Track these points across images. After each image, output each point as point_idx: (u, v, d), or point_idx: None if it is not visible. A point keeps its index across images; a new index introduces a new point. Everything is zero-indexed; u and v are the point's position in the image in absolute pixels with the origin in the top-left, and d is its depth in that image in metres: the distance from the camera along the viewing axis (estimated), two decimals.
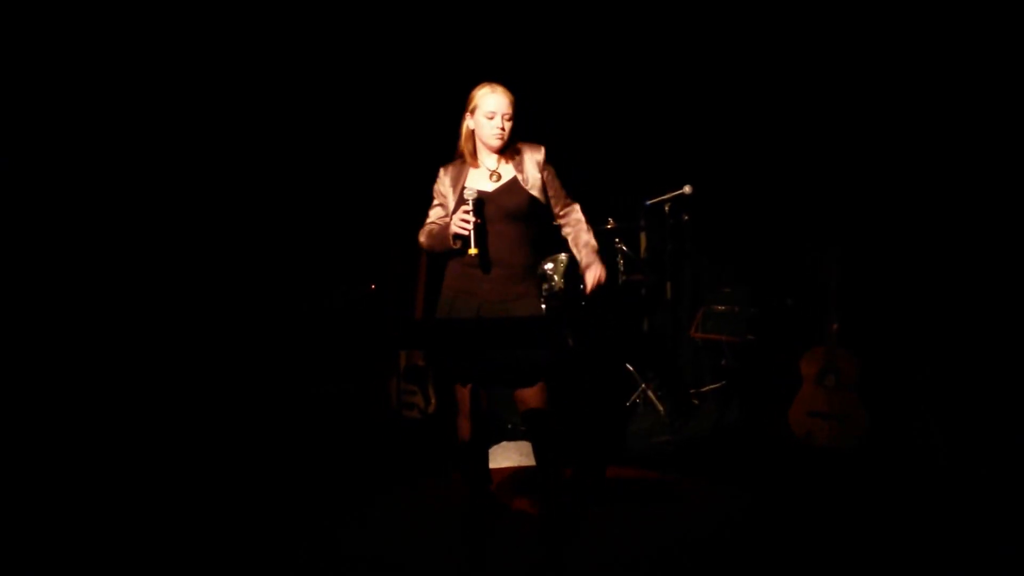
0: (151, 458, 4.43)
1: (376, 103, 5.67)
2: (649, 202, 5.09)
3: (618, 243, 4.93)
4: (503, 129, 3.05)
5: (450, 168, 3.20)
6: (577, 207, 3.28)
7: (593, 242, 3.23)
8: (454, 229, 3.02)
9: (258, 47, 5.41)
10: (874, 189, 4.85)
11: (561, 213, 3.25)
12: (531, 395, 3.07)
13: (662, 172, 5.25)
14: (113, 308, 4.96)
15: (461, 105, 3.14)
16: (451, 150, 3.22)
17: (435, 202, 3.24)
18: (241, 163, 5.49)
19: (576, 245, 3.25)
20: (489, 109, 3.04)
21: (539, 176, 3.13)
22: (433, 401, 4.90)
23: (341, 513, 3.64)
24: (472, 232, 2.99)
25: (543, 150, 3.17)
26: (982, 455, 3.93)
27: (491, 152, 3.13)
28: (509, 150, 3.13)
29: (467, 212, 2.99)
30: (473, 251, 3.00)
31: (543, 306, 3.50)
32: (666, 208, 5.10)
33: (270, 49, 5.45)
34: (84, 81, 4.94)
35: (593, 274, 3.16)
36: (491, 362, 2.93)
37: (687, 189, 4.94)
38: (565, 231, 3.29)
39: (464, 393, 3.11)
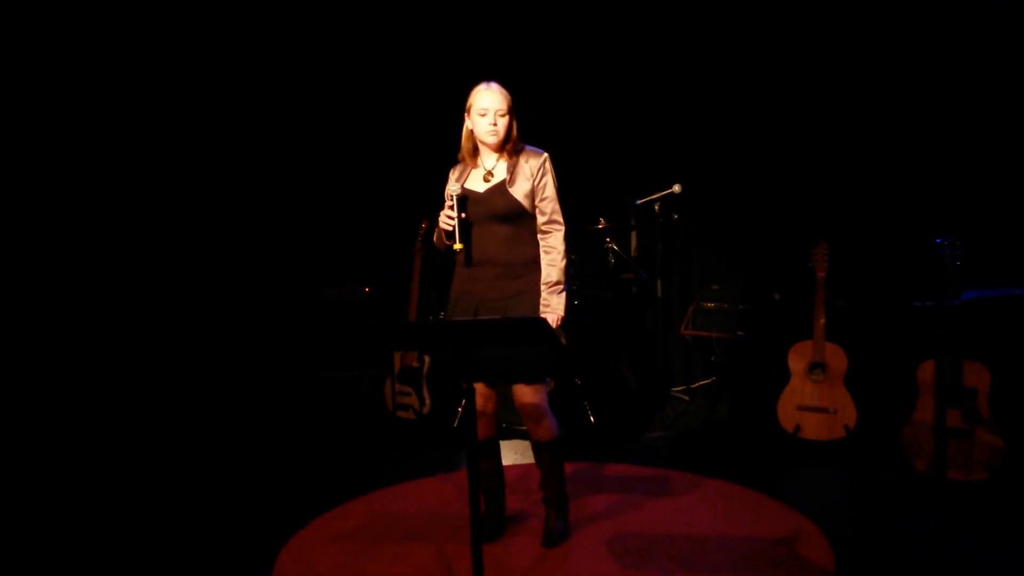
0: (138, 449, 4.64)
1: (376, 106, 5.75)
2: (639, 201, 5.17)
3: (609, 242, 5.00)
4: (495, 125, 3.09)
5: (457, 169, 3.27)
6: (558, 233, 3.16)
7: (553, 280, 3.11)
8: (440, 225, 3.14)
9: (260, 50, 5.51)
10: (859, 185, 4.90)
11: (541, 229, 3.18)
12: (528, 391, 3.12)
13: (651, 171, 5.31)
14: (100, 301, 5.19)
15: (460, 108, 3.19)
16: (453, 154, 3.27)
17: (447, 204, 3.25)
18: (242, 163, 5.62)
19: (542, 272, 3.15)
20: (482, 107, 3.08)
21: (529, 184, 3.13)
22: (428, 402, 4.95)
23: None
24: (456, 228, 3.08)
25: (543, 157, 3.17)
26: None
27: (491, 151, 3.17)
28: (509, 151, 3.15)
29: (451, 208, 3.08)
30: (457, 246, 3.10)
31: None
32: (656, 207, 5.18)
33: (273, 51, 5.55)
34: (83, 82, 5.03)
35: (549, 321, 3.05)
36: (487, 360, 3.02)
37: (676, 188, 5.02)
38: (541, 249, 3.18)
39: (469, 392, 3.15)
